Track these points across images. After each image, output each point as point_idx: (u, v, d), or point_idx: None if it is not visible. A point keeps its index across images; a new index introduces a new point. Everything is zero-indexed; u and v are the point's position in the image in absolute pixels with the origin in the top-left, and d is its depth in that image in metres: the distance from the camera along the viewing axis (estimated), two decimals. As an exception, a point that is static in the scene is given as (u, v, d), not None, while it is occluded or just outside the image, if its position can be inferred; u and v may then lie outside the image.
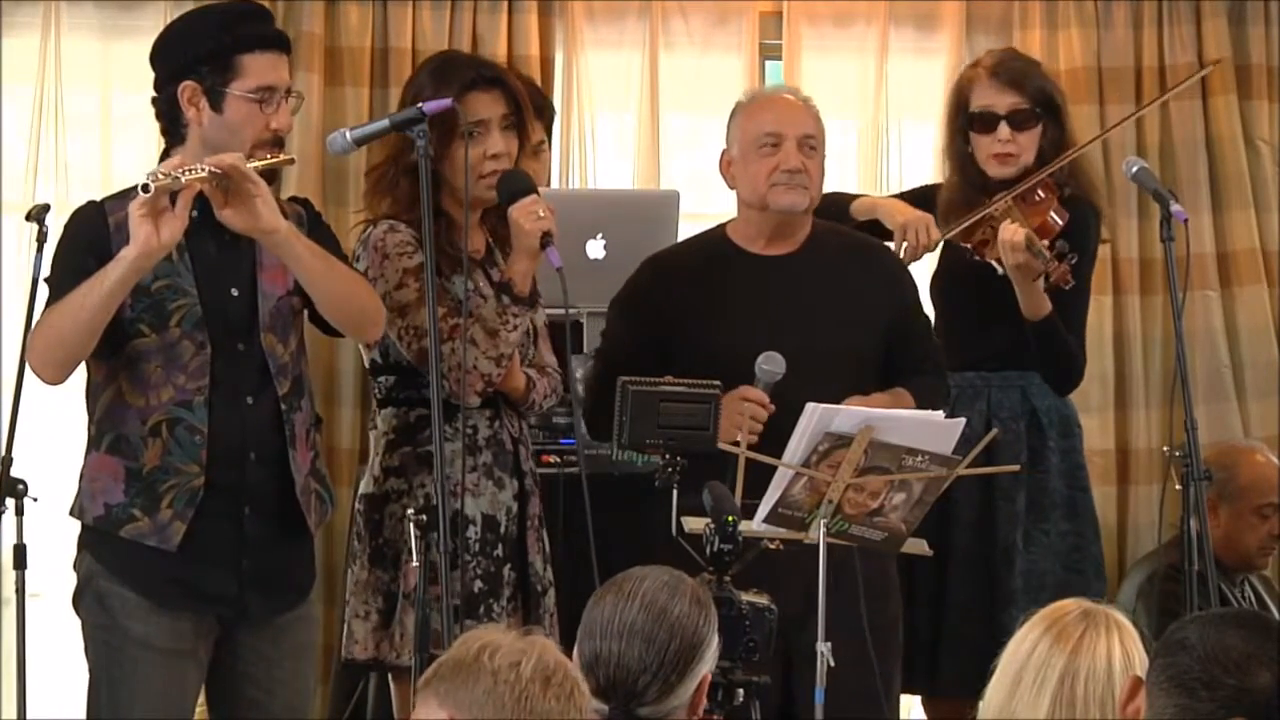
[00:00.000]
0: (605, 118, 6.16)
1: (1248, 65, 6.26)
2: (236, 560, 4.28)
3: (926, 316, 5.06)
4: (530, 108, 4.77)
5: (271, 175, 4.24)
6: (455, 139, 4.49)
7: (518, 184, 4.52)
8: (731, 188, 4.89)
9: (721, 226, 4.97)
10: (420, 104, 4.28)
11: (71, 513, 4.33)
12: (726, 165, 4.87)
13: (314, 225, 4.41)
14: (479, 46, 5.91)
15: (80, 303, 4.10)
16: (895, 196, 5.47)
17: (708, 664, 3.18)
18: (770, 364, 4.58)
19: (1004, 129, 5.16)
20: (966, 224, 5.15)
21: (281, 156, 4.26)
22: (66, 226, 4.32)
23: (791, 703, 4.53)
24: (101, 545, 4.27)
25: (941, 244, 5.22)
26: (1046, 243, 4.95)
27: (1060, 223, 5.09)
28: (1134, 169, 4.94)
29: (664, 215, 5.55)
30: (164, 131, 4.34)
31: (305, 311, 4.40)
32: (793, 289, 4.81)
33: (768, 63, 6.28)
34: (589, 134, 6.10)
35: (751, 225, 4.86)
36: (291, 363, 4.35)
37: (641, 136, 6.13)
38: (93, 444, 4.31)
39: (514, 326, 4.51)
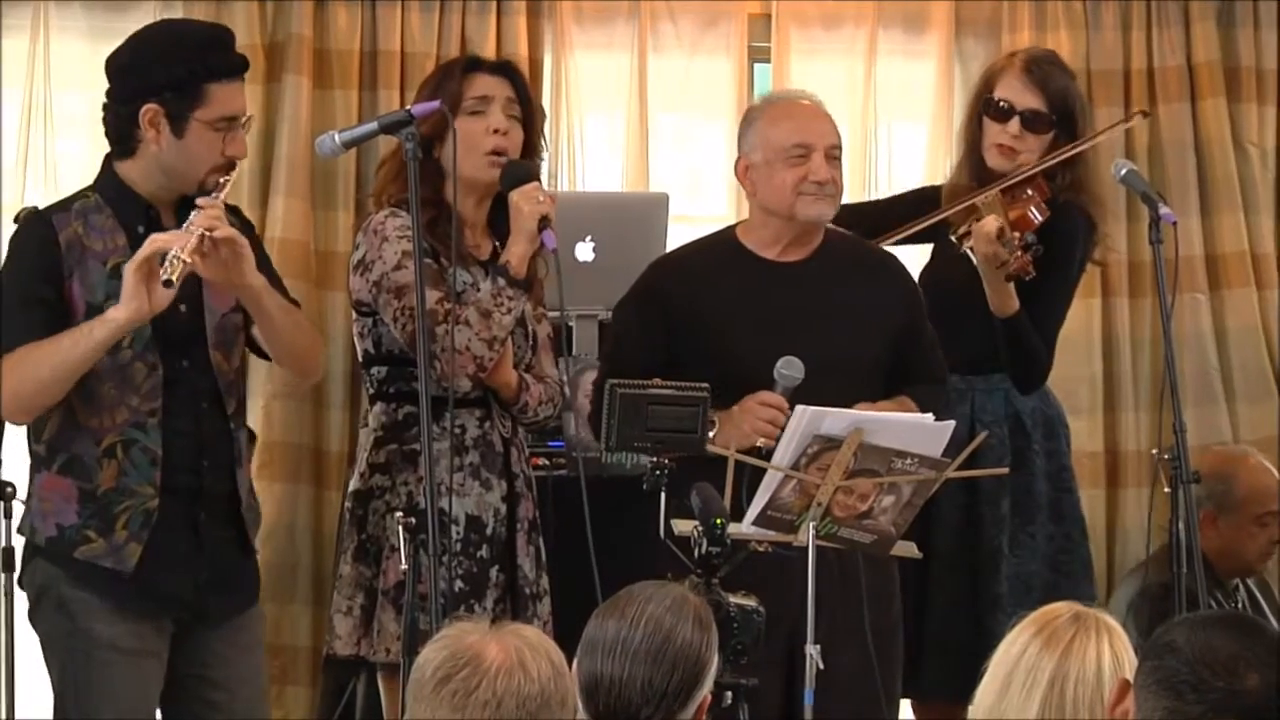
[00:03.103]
0: (594, 120, 6.15)
1: (1236, 68, 6.25)
2: (194, 564, 4.29)
3: (930, 326, 5.05)
4: (539, 108, 4.77)
5: None
6: (456, 117, 4.50)
7: (521, 171, 4.56)
8: (750, 194, 4.85)
9: (731, 229, 4.94)
10: (409, 107, 4.30)
11: (20, 530, 4.32)
12: (744, 170, 4.82)
13: (245, 232, 4.37)
14: (468, 48, 5.89)
15: (62, 356, 4.12)
16: (895, 198, 5.49)
17: (708, 686, 3.15)
18: (790, 369, 4.56)
19: (1015, 124, 5.16)
20: (952, 210, 5.17)
21: (231, 178, 4.28)
22: (17, 244, 4.31)
23: (793, 706, 4.51)
24: (57, 557, 4.27)
25: (931, 244, 5.23)
26: (1018, 235, 4.95)
27: (1039, 218, 5.08)
28: (1123, 171, 4.95)
29: (653, 217, 5.55)
30: (112, 141, 4.32)
31: (245, 332, 4.42)
32: (807, 296, 4.78)
33: (756, 65, 6.27)
34: (578, 136, 6.09)
35: (769, 231, 4.82)
36: (237, 380, 4.39)
37: (630, 138, 6.12)
38: (42, 464, 4.29)
39: (508, 309, 4.50)
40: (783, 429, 4.41)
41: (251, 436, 4.53)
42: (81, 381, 4.21)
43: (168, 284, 4.00)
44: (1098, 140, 5.28)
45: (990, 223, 4.95)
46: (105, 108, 4.33)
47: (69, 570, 4.25)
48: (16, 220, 4.48)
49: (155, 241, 4.07)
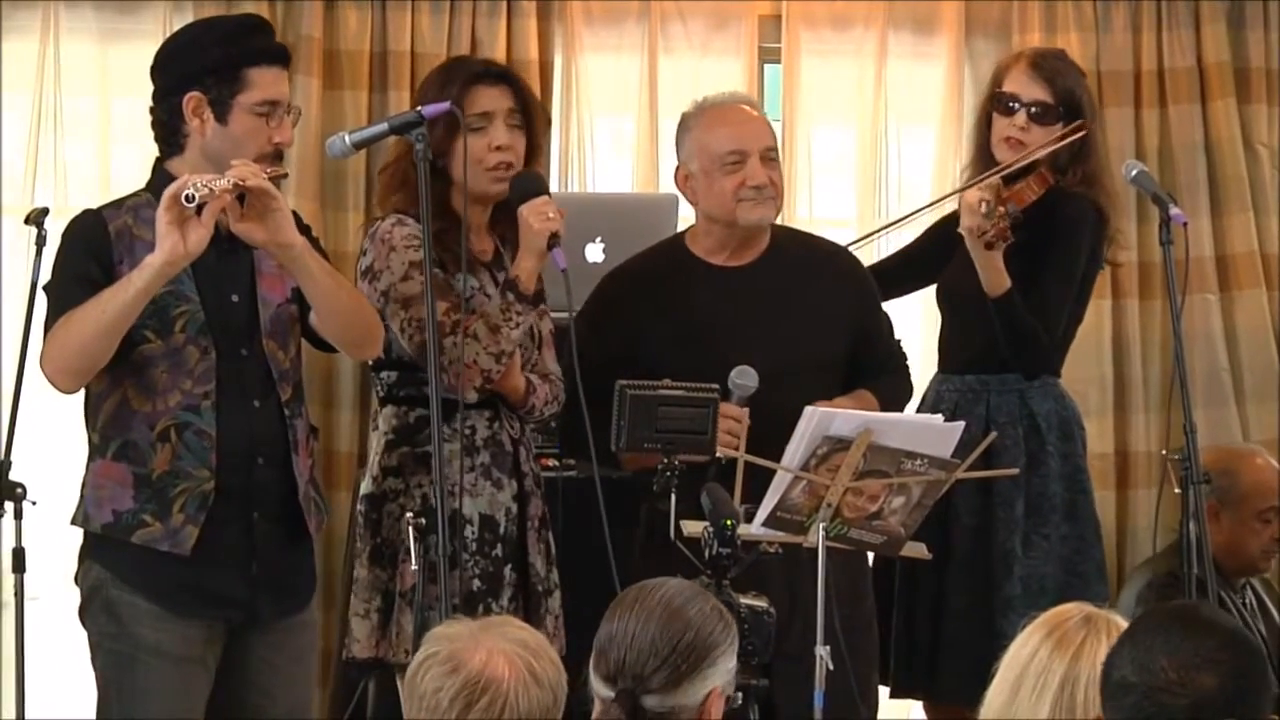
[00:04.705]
0: (604, 121, 6.15)
1: (1246, 69, 6.25)
2: (247, 563, 4.29)
3: (887, 314, 5.06)
4: (540, 110, 4.77)
5: None
6: (459, 134, 4.50)
7: (531, 184, 4.55)
8: (692, 202, 4.89)
9: (679, 236, 4.99)
10: (419, 107, 4.31)
11: (74, 521, 4.32)
12: (684, 180, 4.87)
13: (303, 233, 4.40)
14: (478, 50, 5.90)
15: (102, 309, 4.11)
16: (904, 249, 5.52)
17: (720, 672, 3.15)
18: (744, 378, 4.60)
19: (1022, 116, 5.16)
20: (949, 196, 5.17)
21: (280, 170, 4.28)
22: (66, 235, 4.32)
23: (772, 705, 4.50)
24: (110, 553, 4.27)
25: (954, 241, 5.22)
26: (1002, 209, 4.95)
27: (1032, 197, 5.08)
28: (1133, 172, 4.95)
29: (662, 218, 5.55)
30: (160, 141, 4.34)
31: (300, 323, 4.41)
32: (758, 299, 4.82)
33: (766, 66, 6.27)
34: (588, 137, 6.10)
35: (714, 238, 4.87)
36: (292, 369, 4.37)
37: (640, 140, 6.13)
38: (96, 452, 4.30)
39: (516, 324, 4.51)
40: (741, 438, 4.43)
41: (314, 430, 4.52)
42: (135, 367, 4.22)
43: (188, 199, 3.99)
44: (1065, 144, 5.22)
45: (971, 193, 4.95)
46: (151, 110, 4.35)
47: (118, 571, 4.25)
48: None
49: (183, 178, 4.07)
